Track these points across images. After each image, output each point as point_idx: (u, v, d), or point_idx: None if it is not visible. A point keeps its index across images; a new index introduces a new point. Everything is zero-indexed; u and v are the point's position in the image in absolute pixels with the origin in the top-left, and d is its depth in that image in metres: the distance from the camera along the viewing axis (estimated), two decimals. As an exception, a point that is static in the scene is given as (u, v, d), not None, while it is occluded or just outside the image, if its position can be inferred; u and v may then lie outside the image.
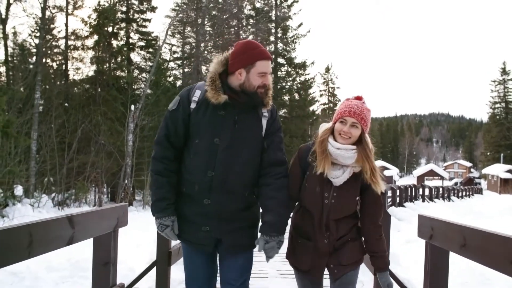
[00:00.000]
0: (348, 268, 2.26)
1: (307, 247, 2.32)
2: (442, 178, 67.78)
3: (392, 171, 65.27)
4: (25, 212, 11.72)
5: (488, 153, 61.63)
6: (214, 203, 2.21)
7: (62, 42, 22.67)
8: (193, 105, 2.24)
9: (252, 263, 2.42)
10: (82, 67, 22.69)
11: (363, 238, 2.36)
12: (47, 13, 20.15)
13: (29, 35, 22.04)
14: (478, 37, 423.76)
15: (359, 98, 2.29)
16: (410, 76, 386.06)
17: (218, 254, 2.41)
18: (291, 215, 2.47)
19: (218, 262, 2.45)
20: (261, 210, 2.35)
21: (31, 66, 19.43)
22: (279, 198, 2.25)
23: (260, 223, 2.33)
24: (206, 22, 26.26)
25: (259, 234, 2.33)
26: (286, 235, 2.40)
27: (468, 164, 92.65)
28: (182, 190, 2.28)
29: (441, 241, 2.47)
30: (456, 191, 29.12)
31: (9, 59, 19.28)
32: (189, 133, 2.26)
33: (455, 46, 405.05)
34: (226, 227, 2.25)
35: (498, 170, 52.34)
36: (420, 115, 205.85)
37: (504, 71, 60.39)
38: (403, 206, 14.94)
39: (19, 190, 12.48)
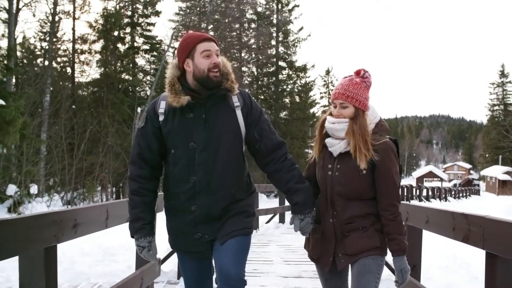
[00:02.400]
0: (355, 258, 2.14)
1: (317, 231, 2.27)
2: (441, 179, 68.32)
3: (392, 172, 65.64)
4: (41, 210, 12.42)
5: (487, 155, 62.16)
6: (200, 207, 2.16)
7: (68, 46, 23.43)
8: (161, 118, 2.18)
9: (247, 253, 2.28)
10: (88, 70, 23.47)
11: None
12: (56, 18, 20.88)
13: (40, 39, 22.79)
14: (479, 38, 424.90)
15: (358, 72, 2.24)
16: (411, 78, 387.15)
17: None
18: None
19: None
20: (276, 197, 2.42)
21: (36, 69, 20.13)
22: (296, 177, 2.23)
23: (291, 206, 2.28)
24: (209, 27, 26.92)
25: (290, 215, 2.28)
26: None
27: (468, 166, 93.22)
28: (170, 203, 2.25)
29: (413, 221, 3.11)
30: (453, 192, 29.74)
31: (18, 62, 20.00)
32: (165, 147, 2.20)
33: (455, 47, 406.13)
34: (216, 225, 2.20)
35: (496, 171, 53.02)
36: (421, 117, 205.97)
37: (502, 74, 60.85)
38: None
39: (34, 188, 13.19)
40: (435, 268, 5.22)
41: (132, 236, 2.21)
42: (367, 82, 2.20)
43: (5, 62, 13.20)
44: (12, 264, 5.27)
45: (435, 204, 21.16)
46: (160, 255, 4.74)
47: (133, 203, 2.20)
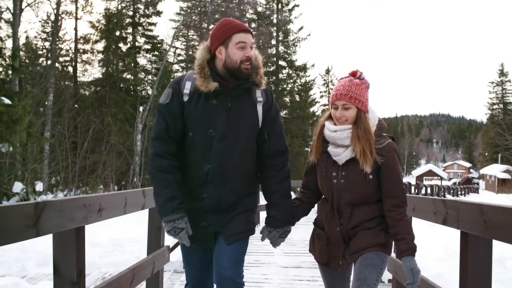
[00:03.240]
0: (359, 253, 2.11)
1: (322, 237, 2.24)
2: (441, 178, 68.56)
3: (392, 171, 65.94)
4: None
5: (486, 154, 62.48)
6: (210, 196, 2.12)
7: (71, 45, 23.70)
8: (185, 98, 2.11)
9: (245, 252, 2.25)
10: (90, 70, 23.79)
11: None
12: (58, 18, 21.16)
13: (42, 39, 23.07)
14: (478, 37, 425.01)
15: (354, 73, 2.18)
16: (411, 76, 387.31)
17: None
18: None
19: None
20: (265, 202, 2.31)
21: (38, 69, 20.41)
22: (283, 190, 2.24)
23: (266, 216, 2.29)
24: (210, 26, 27.17)
25: (263, 225, 2.30)
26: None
27: (468, 164, 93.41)
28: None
29: (403, 209, 3.40)
30: (451, 190, 30.04)
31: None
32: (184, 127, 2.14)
33: (455, 46, 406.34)
34: (224, 218, 2.16)
35: (495, 170, 53.26)
36: (421, 115, 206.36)
37: (502, 73, 61.20)
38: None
39: (40, 186, 13.47)
40: (428, 259, 5.50)
41: (164, 218, 2.07)
42: (367, 83, 2.16)
43: (11, 62, 13.47)
44: (26, 255, 5.57)
45: (433, 201, 21.46)
46: (168, 243, 5.03)
47: (164, 182, 2.07)
